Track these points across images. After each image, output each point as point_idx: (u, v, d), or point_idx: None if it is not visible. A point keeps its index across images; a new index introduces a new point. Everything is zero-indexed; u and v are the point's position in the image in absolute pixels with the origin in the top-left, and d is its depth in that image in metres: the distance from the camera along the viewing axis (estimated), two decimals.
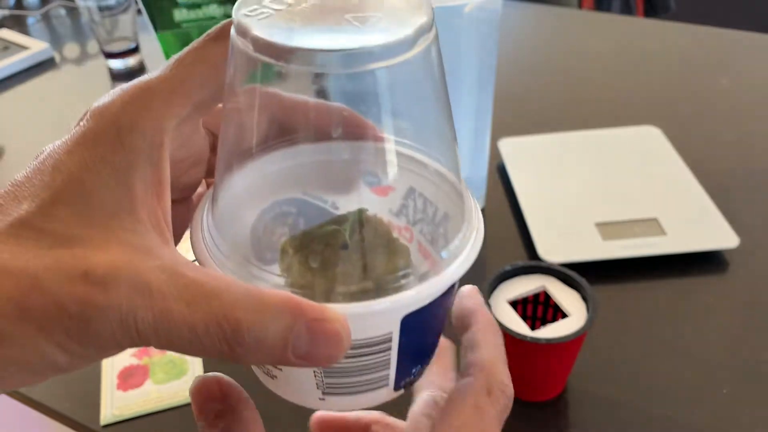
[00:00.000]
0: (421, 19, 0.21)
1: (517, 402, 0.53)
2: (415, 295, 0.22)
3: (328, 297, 0.23)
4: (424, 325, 0.24)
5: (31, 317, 0.18)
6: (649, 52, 1.02)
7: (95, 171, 0.19)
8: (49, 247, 0.18)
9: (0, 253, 0.18)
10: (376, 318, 0.22)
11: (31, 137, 0.91)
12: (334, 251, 0.24)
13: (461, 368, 0.26)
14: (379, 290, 0.22)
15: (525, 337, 0.47)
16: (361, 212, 0.25)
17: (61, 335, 0.18)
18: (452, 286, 0.24)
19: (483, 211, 0.71)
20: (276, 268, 0.25)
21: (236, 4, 0.21)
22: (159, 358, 0.58)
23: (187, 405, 0.54)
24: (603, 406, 0.53)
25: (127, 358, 0.58)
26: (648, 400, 0.53)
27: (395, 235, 0.26)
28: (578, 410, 0.53)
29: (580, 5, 1.58)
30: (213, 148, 0.26)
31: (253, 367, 0.26)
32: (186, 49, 0.22)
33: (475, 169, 0.68)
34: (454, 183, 0.26)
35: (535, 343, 0.47)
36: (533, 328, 0.52)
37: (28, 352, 0.18)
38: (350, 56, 0.19)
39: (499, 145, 0.78)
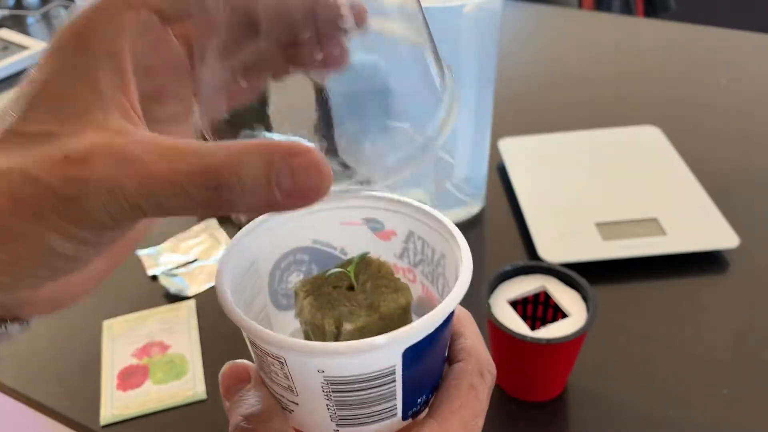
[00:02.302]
0: None
1: (517, 402, 0.53)
2: (412, 330, 0.24)
3: (338, 335, 0.26)
4: (424, 358, 0.26)
5: (25, 207, 0.19)
6: (649, 52, 1.02)
7: (61, 74, 0.21)
8: (32, 146, 0.20)
9: None
10: (379, 353, 0.24)
11: None
12: (342, 292, 0.28)
13: (449, 355, 0.29)
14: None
15: (525, 337, 0.47)
16: (363, 256, 0.29)
17: (55, 218, 0.19)
18: (448, 321, 0.26)
19: (483, 211, 0.71)
20: (292, 312, 0.29)
21: None
22: (159, 358, 0.58)
23: (187, 405, 0.54)
24: (603, 406, 0.53)
25: (126, 358, 0.58)
26: (648, 400, 0.53)
27: (398, 275, 0.29)
28: (578, 410, 0.52)
29: (580, 5, 1.58)
30: (190, 58, 0.27)
31: None
32: None
33: (475, 169, 0.68)
34: (445, 223, 0.28)
35: (535, 343, 0.47)
36: (533, 328, 0.52)
37: (31, 245, 0.19)
38: None
39: (499, 145, 0.78)
